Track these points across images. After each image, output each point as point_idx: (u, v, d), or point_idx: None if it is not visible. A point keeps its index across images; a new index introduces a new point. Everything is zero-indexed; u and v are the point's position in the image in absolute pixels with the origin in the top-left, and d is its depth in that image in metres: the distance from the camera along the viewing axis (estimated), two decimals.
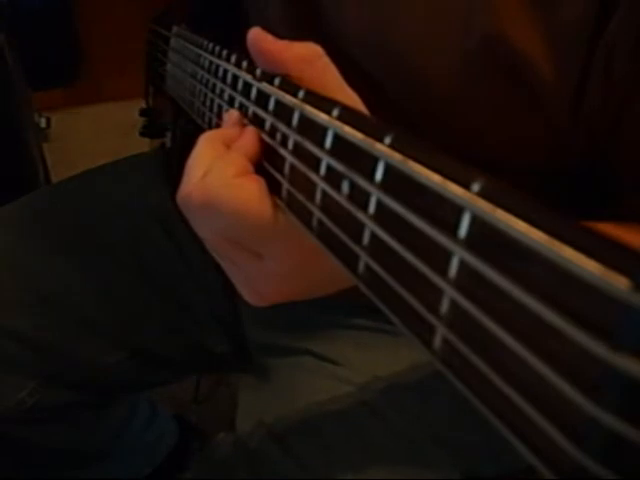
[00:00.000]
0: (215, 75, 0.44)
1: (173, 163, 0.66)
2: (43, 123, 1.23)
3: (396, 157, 0.21)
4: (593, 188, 0.41)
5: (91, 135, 1.55)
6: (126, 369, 0.69)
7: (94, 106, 1.55)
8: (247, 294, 0.35)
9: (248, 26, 0.35)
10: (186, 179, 0.33)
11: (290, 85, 0.32)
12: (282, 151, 0.31)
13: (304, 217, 0.29)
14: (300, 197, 0.29)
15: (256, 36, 0.34)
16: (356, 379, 0.54)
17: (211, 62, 0.46)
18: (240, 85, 0.38)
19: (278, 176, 0.32)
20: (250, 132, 0.35)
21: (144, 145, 0.77)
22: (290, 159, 0.30)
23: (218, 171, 0.32)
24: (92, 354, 0.67)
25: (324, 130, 0.27)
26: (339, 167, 0.25)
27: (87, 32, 1.46)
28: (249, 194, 0.31)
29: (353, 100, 0.33)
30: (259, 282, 0.34)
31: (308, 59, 0.34)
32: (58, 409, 0.69)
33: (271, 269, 0.33)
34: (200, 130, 0.47)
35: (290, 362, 0.57)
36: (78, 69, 1.50)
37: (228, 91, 0.41)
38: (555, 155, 0.42)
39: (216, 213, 0.32)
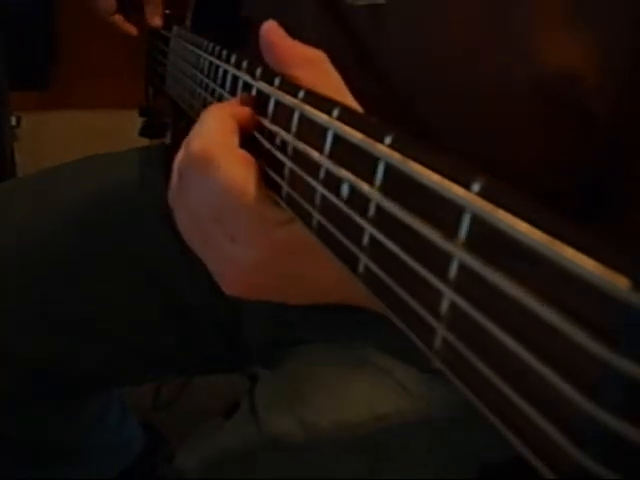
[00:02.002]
0: (215, 76, 0.44)
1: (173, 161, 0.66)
2: (13, 121, 1.25)
3: (396, 157, 0.21)
4: (597, 201, 0.41)
5: (59, 139, 1.57)
6: (117, 363, 0.69)
7: (65, 112, 1.58)
8: (218, 279, 0.36)
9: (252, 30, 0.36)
10: (205, 136, 0.34)
11: (290, 85, 0.32)
12: (281, 152, 0.31)
13: (304, 217, 0.29)
14: (300, 198, 0.29)
15: (270, 28, 0.35)
16: (375, 361, 0.53)
17: (211, 63, 0.46)
18: (240, 86, 0.38)
19: (278, 178, 0.32)
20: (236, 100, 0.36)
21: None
22: (289, 160, 0.30)
23: (230, 144, 0.34)
24: (89, 353, 0.67)
25: (324, 130, 0.27)
26: (339, 167, 0.25)
27: (65, 40, 1.48)
28: (240, 171, 0.33)
29: (353, 105, 0.34)
30: (229, 267, 0.35)
31: (312, 60, 0.34)
32: (36, 398, 0.68)
33: (239, 255, 0.34)
34: None
35: (301, 349, 0.57)
36: (50, 75, 1.51)
37: (228, 92, 0.41)
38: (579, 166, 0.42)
39: (212, 177, 0.33)
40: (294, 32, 0.36)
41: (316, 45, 0.35)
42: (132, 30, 0.73)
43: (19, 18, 1.38)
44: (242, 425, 0.54)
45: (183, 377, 1.12)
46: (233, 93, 0.40)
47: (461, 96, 0.41)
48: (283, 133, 0.31)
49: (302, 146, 0.29)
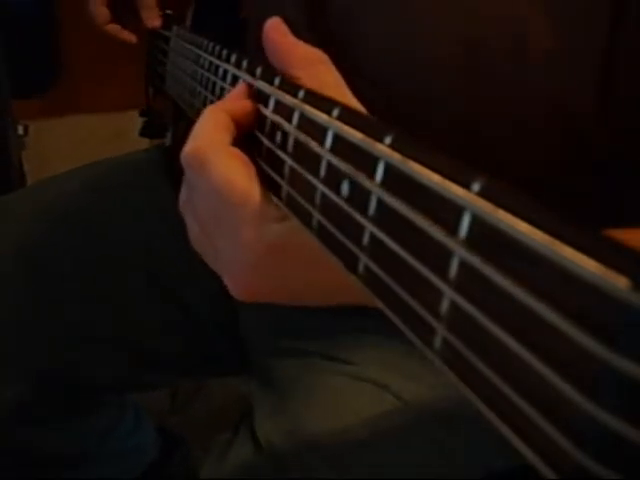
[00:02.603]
0: (215, 75, 0.44)
1: (174, 162, 0.66)
2: (20, 130, 1.25)
3: (396, 157, 0.21)
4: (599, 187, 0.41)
5: (67, 145, 1.57)
6: (123, 370, 0.69)
7: (72, 117, 1.57)
8: (228, 284, 0.35)
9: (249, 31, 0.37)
10: (198, 137, 0.34)
11: (290, 85, 0.32)
12: (282, 151, 0.31)
13: (304, 218, 0.29)
14: (300, 198, 0.29)
15: (272, 25, 0.36)
16: (370, 375, 0.53)
17: (211, 62, 0.46)
18: None
19: (277, 177, 0.32)
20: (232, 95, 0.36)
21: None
22: (289, 159, 0.30)
23: (221, 142, 0.33)
24: (90, 355, 0.67)
25: (324, 130, 0.27)
26: (339, 167, 0.25)
27: (67, 44, 1.48)
28: (232, 169, 0.32)
29: (354, 105, 0.34)
30: (231, 270, 0.34)
31: (312, 60, 0.35)
32: (45, 409, 0.68)
33: (238, 256, 0.33)
34: None
35: (297, 363, 0.57)
36: (55, 80, 1.51)
37: (228, 91, 0.41)
38: (572, 152, 0.41)
39: (206, 177, 0.33)
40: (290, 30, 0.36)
41: (311, 42, 0.35)
42: (131, 38, 0.72)
43: (19, 24, 1.37)
44: (243, 452, 0.54)
45: (186, 381, 1.12)
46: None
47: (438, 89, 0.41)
48: (286, 125, 0.31)
49: (302, 146, 0.29)
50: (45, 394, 0.66)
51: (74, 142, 1.57)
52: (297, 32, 0.36)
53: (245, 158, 0.33)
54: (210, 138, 0.33)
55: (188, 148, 0.34)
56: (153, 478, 0.90)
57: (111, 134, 1.50)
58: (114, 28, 0.71)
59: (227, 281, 0.35)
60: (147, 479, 0.89)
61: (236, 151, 0.33)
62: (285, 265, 0.33)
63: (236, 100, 0.36)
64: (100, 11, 0.69)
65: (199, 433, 1.03)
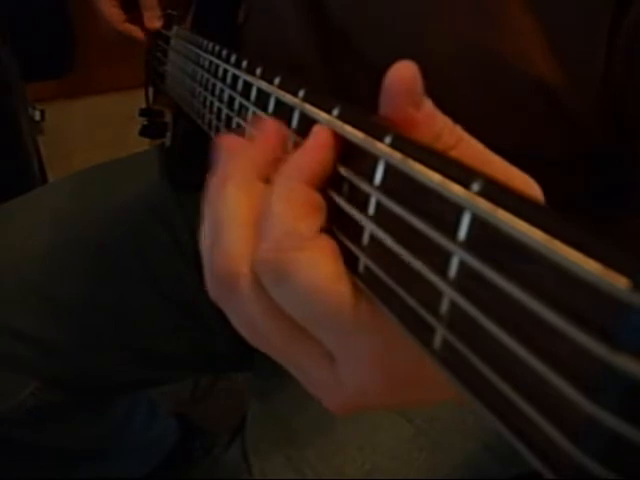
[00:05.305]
0: (215, 75, 0.44)
1: (173, 163, 0.66)
2: (37, 116, 1.22)
3: (396, 157, 0.21)
4: (609, 178, 0.41)
5: (85, 127, 1.54)
6: (128, 370, 0.69)
7: (88, 98, 1.54)
8: (324, 401, 0.26)
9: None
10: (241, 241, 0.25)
11: (290, 84, 0.32)
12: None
13: None
14: None
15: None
16: None
17: (211, 62, 0.46)
18: (240, 85, 0.38)
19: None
20: (310, 148, 0.25)
21: (138, 138, 0.77)
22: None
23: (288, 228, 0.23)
24: (95, 355, 0.67)
25: None
26: (339, 167, 0.25)
27: (82, 24, 1.45)
28: (326, 263, 0.23)
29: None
30: (331, 389, 0.25)
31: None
32: (59, 409, 0.69)
33: (344, 374, 0.24)
34: (200, 130, 0.47)
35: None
36: (72, 61, 1.49)
37: (228, 91, 0.41)
38: (572, 142, 0.41)
39: (291, 286, 0.23)
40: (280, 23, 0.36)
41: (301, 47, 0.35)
42: (140, 34, 0.72)
43: (34, 8, 1.35)
44: (235, 473, 0.54)
45: (191, 378, 1.11)
46: (233, 90, 0.40)
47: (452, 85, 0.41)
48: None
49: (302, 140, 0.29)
50: (51, 396, 0.66)
51: (92, 126, 1.54)
52: (302, 54, 0.36)
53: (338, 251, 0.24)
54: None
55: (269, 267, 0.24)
56: (173, 467, 0.91)
57: (129, 115, 1.45)
58: (129, 27, 0.71)
59: (324, 400, 0.26)
60: (167, 468, 0.89)
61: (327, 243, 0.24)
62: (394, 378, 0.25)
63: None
64: (113, 12, 0.70)
65: (220, 421, 1.02)
